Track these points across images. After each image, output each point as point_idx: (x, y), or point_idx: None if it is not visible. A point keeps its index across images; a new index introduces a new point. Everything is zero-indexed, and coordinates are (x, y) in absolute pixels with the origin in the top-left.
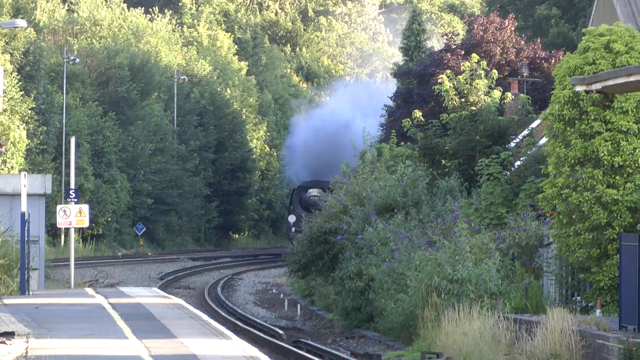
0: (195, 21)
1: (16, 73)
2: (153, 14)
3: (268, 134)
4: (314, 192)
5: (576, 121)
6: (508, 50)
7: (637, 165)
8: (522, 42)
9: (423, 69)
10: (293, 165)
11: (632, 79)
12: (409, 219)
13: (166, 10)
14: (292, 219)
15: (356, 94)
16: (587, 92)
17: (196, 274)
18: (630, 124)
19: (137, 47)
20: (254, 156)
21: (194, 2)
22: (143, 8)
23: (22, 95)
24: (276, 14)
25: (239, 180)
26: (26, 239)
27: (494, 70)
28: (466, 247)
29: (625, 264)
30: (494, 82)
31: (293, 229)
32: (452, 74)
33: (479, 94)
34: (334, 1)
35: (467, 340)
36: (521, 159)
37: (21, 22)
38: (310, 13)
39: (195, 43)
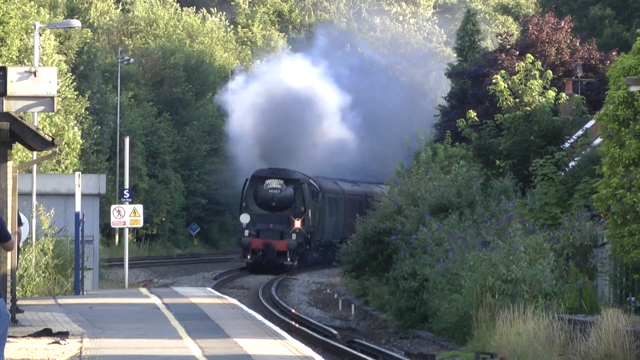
0: (250, 21)
1: (70, 73)
2: (204, 14)
3: None
4: (273, 183)
5: (631, 121)
6: (563, 50)
7: None
8: (577, 43)
9: (477, 69)
10: (240, 152)
11: None
12: (463, 219)
13: (213, 10)
14: (244, 219)
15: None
16: None
17: (250, 274)
18: None
19: (192, 47)
20: None
21: (247, 2)
22: (195, 7)
23: (76, 95)
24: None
25: None
26: (80, 239)
27: (549, 71)
28: (520, 248)
29: None
30: (549, 83)
31: (247, 232)
32: (507, 74)
33: (533, 94)
34: (388, 1)
35: (521, 340)
36: (575, 159)
37: (76, 23)
38: (364, 14)
39: (249, 43)
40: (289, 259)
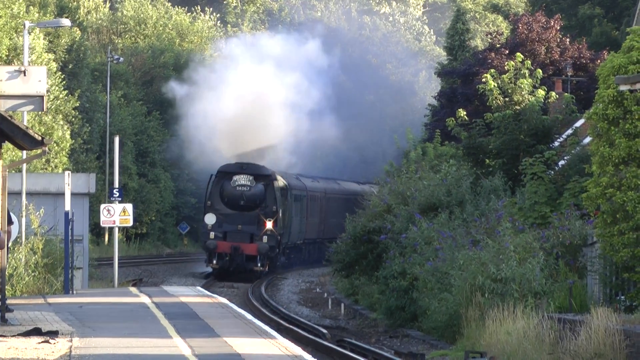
0: (239, 20)
1: (60, 72)
2: (196, 13)
3: None
4: (241, 180)
5: (620, 120)
6: (552, 49)
7: None
8: (567, 42)
9: (467, 68)
10: (205, 145)
11: None
12: (452, 218)
13: (207, 10)
14: (210, 219)
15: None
16: (631, 91)
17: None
18: None
19: (182, 46)
20: None
21: (238, 0)
22: (186, 7)
23: (66, 94)
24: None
25: None
26: (70, 238)
27: (538, 70)
28: (510, 247)
29: None
30: (538, 82)
31: (212, 235)
32: (496, 73)
33: (523, 93)
34: (377, 1)
35: (511, 339)
36: (565, 158)
37: (65, 22)
38: (353, 13)
39: None
40: (259, 264)
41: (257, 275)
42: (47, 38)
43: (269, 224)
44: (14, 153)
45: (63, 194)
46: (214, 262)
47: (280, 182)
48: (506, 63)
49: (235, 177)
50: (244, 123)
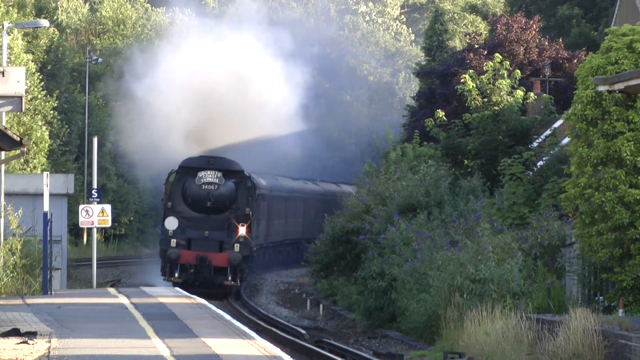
0: (218, 21)
1: (38, 73)
2: (174, 13)
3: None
4: (207, 177)
5: (599, 121)
6: (531, 50)
7: None
8: (545, 42)
9: (446, 68)
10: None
11: None
12: (431, 219)
13: (187, 10)
14: (171, 224)
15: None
16: (609, 92)
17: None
18: None
19: (161, 46)
20: None
21: (216, 1)
22: (164, 7)
23: (44, 95)
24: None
25: None
26: (49, 238)
27: (517, 70)
28: (489, 247)
29: None
30: (517, 82)
31: (174, 242)
32: (475, 73)
33: (501, 93)
34: (355, 0)
35: (489, 340)
36: (544, 159)
37: (44, 22)
38: (332, 13)
39: None
40: (230, 278)
41: (227, 290)
42: (26, 39)
43: (242, 230)
44: None
45: (42, 195)
46: (176, 275)
47: (249, 179)
48: (485, 64)
49: (201, 174)
50: (203, 114)
